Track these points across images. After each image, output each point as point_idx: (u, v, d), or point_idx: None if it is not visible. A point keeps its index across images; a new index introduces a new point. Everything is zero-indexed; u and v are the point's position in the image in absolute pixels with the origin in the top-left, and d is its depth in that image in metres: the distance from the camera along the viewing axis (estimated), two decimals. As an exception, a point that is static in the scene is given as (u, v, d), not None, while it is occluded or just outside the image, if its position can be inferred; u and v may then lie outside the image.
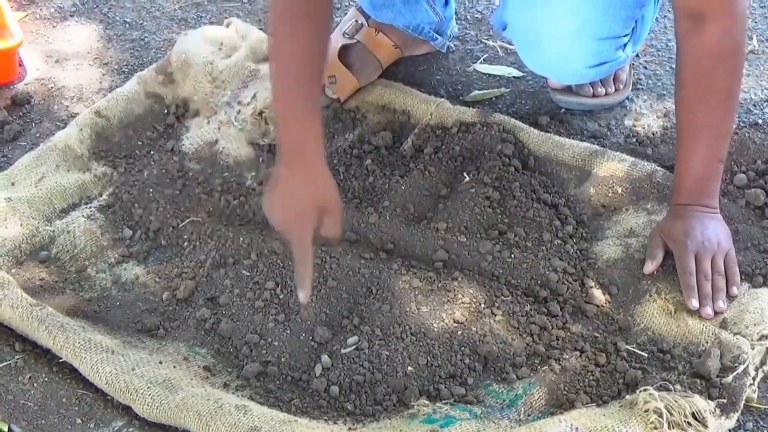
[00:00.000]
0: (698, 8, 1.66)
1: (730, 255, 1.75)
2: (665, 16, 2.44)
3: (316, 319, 1.71)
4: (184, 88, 2.18)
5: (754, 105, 2.18)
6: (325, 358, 1.66)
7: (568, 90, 2.14)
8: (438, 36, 2.23)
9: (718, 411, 1.54)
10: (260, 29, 2.33)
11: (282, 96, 1.68)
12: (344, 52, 2.13)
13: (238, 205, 1.94)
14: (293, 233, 1.64)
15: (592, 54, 1.89)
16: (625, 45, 1.95)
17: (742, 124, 2.11)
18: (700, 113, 1.73)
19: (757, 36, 2.39)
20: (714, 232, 1.75)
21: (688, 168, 1.76)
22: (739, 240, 1.82)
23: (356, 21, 2.17)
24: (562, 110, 2.16)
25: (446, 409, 1.58)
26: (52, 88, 2.27)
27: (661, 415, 1.49)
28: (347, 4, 2.48)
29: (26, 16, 2.47)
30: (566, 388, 1.62)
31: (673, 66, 2.29)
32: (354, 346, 1.67)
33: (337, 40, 2.14)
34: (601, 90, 2.13)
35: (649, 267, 1.78)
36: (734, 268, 1.74)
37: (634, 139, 2.09)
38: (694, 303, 1.70)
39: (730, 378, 1.59)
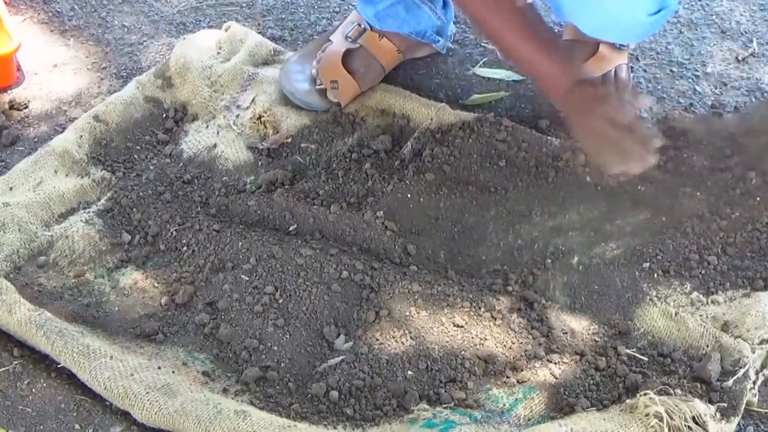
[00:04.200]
0: None
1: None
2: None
3: (320, 320, 1.72)
4: (183, 92, 2.17)
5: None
6: (338, 344, 1.68)
7: None
8: (439, 38, 2.23)
9: (718, 415, 1.54)
10: (259, 33, 2.33)
11: (531, 48, 1.78)
12: (347, 57, 2.13)
13: (237, 209, 1.94)
14: (612, 110, 1.73)
15: None
16: None
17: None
18: None
19: (756, 39, 2.39)
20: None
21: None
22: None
23: (359, 25, 2.16)
24: (562, 113, 2.15)
25: (446, 414, 1.58)
26: (50, 92, 2.26)
27: (661, 420, 1.49)
28: (347, 8, 2.48)
29: (24, 20, 2.47)
30: (566, 393, 1.61)
31: (673, 69, 2.29)
32: (347, 350, 1.67)
33: (340, 45, 2.14)
34: None
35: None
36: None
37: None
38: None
39: (730, 382, 1.58)
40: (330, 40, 2.17)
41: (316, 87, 2.12)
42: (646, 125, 1.75)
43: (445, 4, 2.19)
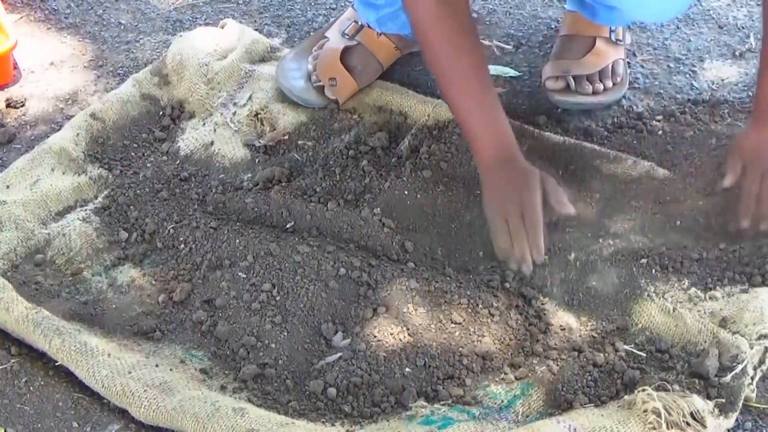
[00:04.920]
0: None
1: None
2: (662, 15, 2.43)
3: (318, 317, 1.72)
4: (180, 89, 2.17)
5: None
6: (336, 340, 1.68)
7: (566, 90, 2.13)
8: None
9: (716, 411, 1.54)
10: (255, 30, 2.33)
11: (463, 101, 1.82)
12: (345, 54, 2.13)
13: (234, 207, 1.94)
14: (523, 198, 1.74)
15: None
16: None
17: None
18: None
19: (754, 34, 2.39)
20: None
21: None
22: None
23: (356, 22, 2.16)
24: (559, 110, 2.16)
25: (444, 411, 1.58)
26: (47, 90, 2.26)
27: (659, 415, 1.49)
28: (343, 4, 2.48)
29: (21, 18, 2.47)
30: (564, 389, 1.61)
31: (670, 65, 2.30)
32: (345, 347, 1.67)
33: (338, 42, 2.14)
34: (600, 86, 2.13)
35: (728, 180, 1.87)
36: None
37: (633, 138, 2.09)
38: (744, 223, 1.81)
39: (728, 377, 1.58)
40: (326, 37, 2.17)
41: (314, 84, 2.12)
42: (543, 231, 1.75)
43: None
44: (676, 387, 1.56)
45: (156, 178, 2.00)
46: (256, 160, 2.05)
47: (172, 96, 2.17)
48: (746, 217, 1.82)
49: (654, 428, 1.48)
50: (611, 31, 2.15)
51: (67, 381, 1.64)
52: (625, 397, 1.56)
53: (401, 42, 2.19)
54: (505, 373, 1.65)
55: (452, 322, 1.70)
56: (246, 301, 1.74)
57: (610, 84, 2.14)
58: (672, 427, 1.49)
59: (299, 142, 2.07)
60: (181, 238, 1.87)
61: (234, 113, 2.12)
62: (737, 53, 2.34)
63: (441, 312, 1.72)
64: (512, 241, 1.76)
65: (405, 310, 1.71)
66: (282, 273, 1.77)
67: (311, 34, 2.34)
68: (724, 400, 1.56)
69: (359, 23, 2.16)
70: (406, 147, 2.03)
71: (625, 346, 1.68)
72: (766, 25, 1.85)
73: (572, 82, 2.12)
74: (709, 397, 1.56)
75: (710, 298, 1.75)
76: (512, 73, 2.28)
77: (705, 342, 1.66)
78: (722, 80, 2.26)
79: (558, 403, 1.59)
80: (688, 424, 1.49)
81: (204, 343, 1.71)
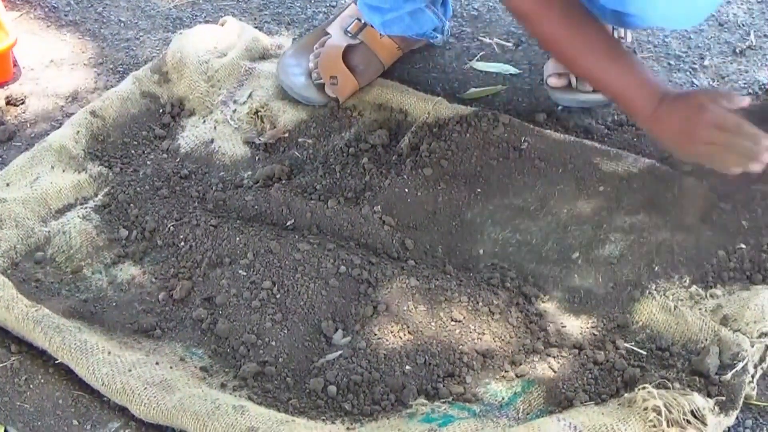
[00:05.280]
0: None
1: None
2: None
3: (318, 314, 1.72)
4: (180, 87, 2.17)
5: (756, 98, 2.18)
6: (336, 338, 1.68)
7: (567, 87, 2.13)
8: (438, 35, 2.23)
9: (717, 409, 1.54)
10: (255, 28, 2.33)
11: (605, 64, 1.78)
12: (347, 52, 2.12)
13: (234, 204, 1.93)
14: (733, 124, 1.70)
15: None
16: None
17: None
18: None
19: (754, 31, 2.39)
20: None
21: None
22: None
23: (359, 20, 2.16)
24: (559, 107, 2.15)
25: (445, 408, 1.58)
26: (47, 88, 2.26)
27: (659, 413, 1.49)
28: (343, 1, 2.47)
29: (20, 15, 2.47)
30: (565, 387, 1.61)
31: (671, 63, 2.29)
32: (345, 344, 1.67)
33: (340, 40, 2.13)
34: None
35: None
36: None
37: (632, 136, 2.09)
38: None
39: (729, 375, 1.58)
40: (328, 33, 2.16)
41: (315, 81, 2.12)
42: (748, 122, 1.71)
43: (443, 3, 2.19)
44: (677, 385, 1.56)
45: (156, 176, 2.00)
46: (257, 158, 2.05)
47: (172, 93, 2.17)
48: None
49: (654, 426, 1.48)
50: (613, 29, 2.15)
51: (67, 379, 1.64)
52: (626, 395, 1.55)
53: (404, 42, 2.19)
54: (506, 371, 1.65)
55: (452, 320, 1.70)
56: (246, 298, 1.74)
57: None
58: (672, 425, 1.49)
59: (299, 139, 2.07)
60: (182, 236, 1.87)
61: (234, 111, 2.12)
62: (737, 51, 2.33)
63: (441, 310, 1.72)
64: (737, 150, 1.71)
65: (405, 308, 1.71)
66: (282, 271, 1.77)
67: (311, 31, 2.33)
68: (724, 398, 1.55)
69: (362, 21, 2.15)
70: (407, 145, 2.03)
71: (626, 344, 1.68)
72: None
73: (574, 80, 2.11)
74: (709, 395, 1.56)
75: (711, 296, 1.75)
76: (512, 70, 2.27)
77: (706, 340, 1.66)
78: (722, 78, 2.26)
79: (558, 401, 1.59)
80: (688, 422, 1.49)
81: (204, 341, 1.71)
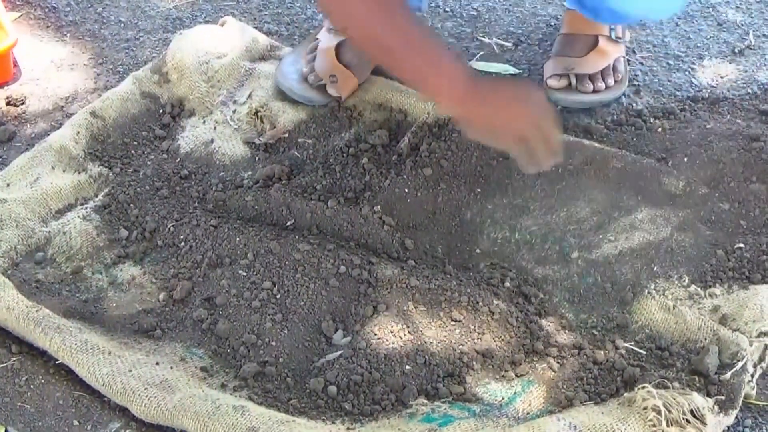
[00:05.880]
0: None
1: None
2: (661, 12, 2.44)
3: (318, 315, 1.72)
4: (180, 87, 2.17)
5: (755, 97, 2.18)
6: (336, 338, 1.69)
7: (567, 88, 2.13)
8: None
9: (716, 408, 1.54)
10: (255, 28, 2.33)
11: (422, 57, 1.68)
12: (339, 51, 2.12)
13: (234, 204, 1.94)
14: (541, 125, 1.68)
15: None
16: None
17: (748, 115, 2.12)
18: None
19: (753, 31, 2.39)
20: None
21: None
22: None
23: None
24: (558, 107, 2.16)
25: (445, 408, 1.58)
26: (47, 88, 2.26)
27: (659, 413, 1.49)
28: None
29: (20, 16, 2.47)
30: (565, 386, 1.62)
31: (670, 62, 2.30)
32: (345, 345, 1.67)
33: (329, 40, 2.14)
34: (601, 84, 2.13)
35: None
36: None
37: (632, 136, 2.09)
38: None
39: (728, 375, 1.58)
40: (317, 39, 2.17)
41: (316, 83, 2.12)
42: (551, 118, 1.70)
43: None
44: (676, 384, 1.56)
45: (156, 176, 2.00)
46: (257, 158, 2.05)
47: (172, 94, 2.17)
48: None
49: (654, 425, 1.48)
50: (611, 29, 2.15)
51: (67, 379, 1.64)
52: (625, 394, 1.56)
53: None
54: (506, 371, 1.65)
55: (452, 320, 1.71)
56: (246, 299, 1.74)
57: (611, 82, 2.14)
58: (672, 425, 1.49)
59: (299, 139, 2.07)
60: (182, 236, 1.87)
61: (234, 111, 2.12)
62: (736, 50, 2.34)
63: (441, 310, 1.72)
64: (530, 146, 1.69)
65: (405, 308, 1.72)
66: (282, 271, 1.78)
67: (311, 31, 2.34)
68: (724, 398, 1.56)
69: None
70: (407, 145, 2.03)
71: (625, 344, 1.68)
72: None
73: (574, 80, 2.12)
74: (709, 395, 1.56)
75: (710, 295, 1.75)
76: (512, 70, 2.28)
77: (705, 339, 1.66)
78: (721, 77, 2.26)
79: (558, 401, 1.60)
80: (688, 421, 1.50)
81: (204, 341, 1.71)
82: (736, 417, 1.58)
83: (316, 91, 2.12)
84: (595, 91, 2.12)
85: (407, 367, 1.65)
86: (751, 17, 2.44)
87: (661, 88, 2.23)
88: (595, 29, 2.15)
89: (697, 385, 1.57)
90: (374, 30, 1.67)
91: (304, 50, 2.18)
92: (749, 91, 2.21)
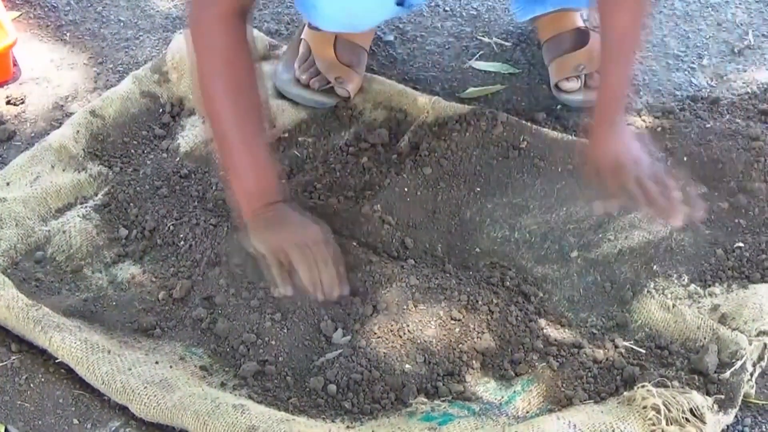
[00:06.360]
0: None
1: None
2: (660, 12, 2.43)
3: (318, 315, 1.72)
4: (180, 87, 2.17)
5: (754, 97, 2.18)
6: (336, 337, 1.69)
7: (578, 89, 2.13)
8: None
9: (716, 407, 1.54)
10: (255, 27, 2.33)
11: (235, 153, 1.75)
12: (337, 51, 2.12)
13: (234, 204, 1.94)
14: (314, 241, 1.73)
15: None
16: None
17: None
18: None
19: (753, 31, 2.39)
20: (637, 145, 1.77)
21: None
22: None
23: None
24: (558, 106, 2.16)
25: (444, 407, 1.58)
26: (47, 87, 2.26)
27: (659, 412, 1.49)
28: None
29: (20, 15, 2.47)
30: (564, 385, 1.62)
31: (669, 62, 2.30)
32: (345, 343, 1.68)
33: (320, 40, 2.13)
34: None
35: (607, 208, 1.81)
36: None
37: (631, 135, 2.09)
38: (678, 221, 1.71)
39: (727, 374, 1.59)
40: (302, 39, 2.16)
41: (320, 88, 2.11)
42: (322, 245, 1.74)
43: None
44: (676, 383, 1.56)
45: (156, 175, 2.00)
46: (256, 157, 2.04)
47: (172, 93, 2.17)
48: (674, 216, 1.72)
49: (653, 424, 1.48)
50: (584, 20, 2.15)
51: (67, 378, 1.64)
52: (625, 393, 1.56)
53: None
54: (505, 370, 1.65)
55: (452, 319, 1.71)
56: (245, 298, 1.74)
57: None
58: (671, 424, 1.49)
59: (299, 138, 2.07)
60: (181, 235, 1.87)
61: (234, 110, 2.11)
62: (736, 50, 2.34)
63: (441, 309, 1.72)
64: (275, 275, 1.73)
65: (405, 306, 1.72)
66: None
67: (289, 43, 2.32)
68: (723, 397, 1.56)
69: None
70: (406, 144, 2.03)
71: (625, 343, 1.68)
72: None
73: (584, 79, 2.12)
74: (708, 394, 1.56)
75: (710, 294, 1.75)
76: (511, 69, 2.28)
77: (704, 338, 1.66)
78: (721, 77, 2.26)
79: (558, 400, 1.60)
80: (687, 420, 1.50)
81: (204, 340, 1.71)
82: (736, 416, 1.58)
83: (323, 94, 2.12)
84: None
85: (407, 365, 1.65)
86: (751, 17, 2.44)
87: (660, 88, 2.23)
88: (571, 23, 2.15)
89: (697, 384, 1.58)
90: (223, 124, 1.74)
91: (293, 55, 2.17)
92: (749, 90, 2.21)
